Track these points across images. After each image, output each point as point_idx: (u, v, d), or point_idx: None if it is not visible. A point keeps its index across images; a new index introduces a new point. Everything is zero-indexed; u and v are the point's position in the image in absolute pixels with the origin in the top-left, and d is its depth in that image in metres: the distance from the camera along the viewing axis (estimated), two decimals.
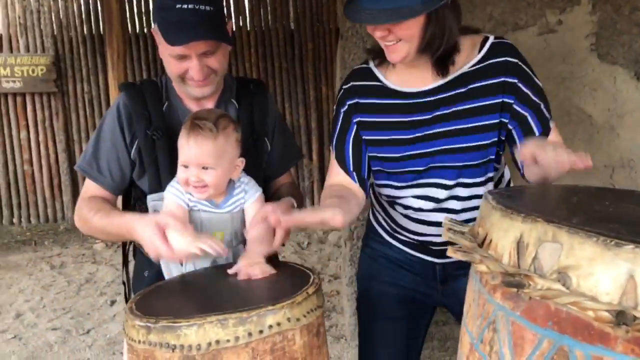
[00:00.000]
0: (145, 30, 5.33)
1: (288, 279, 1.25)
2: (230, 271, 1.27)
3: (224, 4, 1.41)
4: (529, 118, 1.34)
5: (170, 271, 1.42)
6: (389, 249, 1.56)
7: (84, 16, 5.33)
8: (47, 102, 5.33)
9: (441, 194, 1.40)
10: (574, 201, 1.08)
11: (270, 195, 1.57)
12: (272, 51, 5.39)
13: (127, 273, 1.63)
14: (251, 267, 1.25)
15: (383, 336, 1.57)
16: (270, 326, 1.05)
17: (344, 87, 1.47)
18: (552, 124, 1.36)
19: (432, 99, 1.36)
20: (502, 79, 1.33)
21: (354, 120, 1.43)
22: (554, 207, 1.01)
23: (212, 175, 1.33)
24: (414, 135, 1.38)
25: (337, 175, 1.47)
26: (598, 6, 2.43)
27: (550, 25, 2.45)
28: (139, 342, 1.07)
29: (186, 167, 1.33)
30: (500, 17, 2.46)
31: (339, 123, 1.47)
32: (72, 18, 5.33)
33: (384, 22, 1.21)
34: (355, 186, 1.45)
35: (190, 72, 1.37)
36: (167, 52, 1.37)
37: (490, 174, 1.41)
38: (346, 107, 1.45)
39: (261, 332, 1.04)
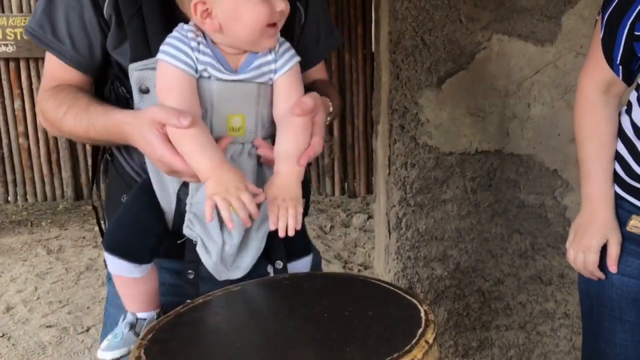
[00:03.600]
0: None
1: (384, 312, 0.80)
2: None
3: None
4: None
5: (209, 235, 0.97)
6: (618, 209, 1.20)
7: None
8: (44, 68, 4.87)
9: None
10: None
11: None
12: None
13: (99, 193, 1.21)
14: (285, 203, 0.90)
15: (609, 336, 1.27)
16: None
17: None
18: None
19: None
20: None
21: None
22: None
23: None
24: None
25: (597, 69, 1.17)
26: None
27: None
28: None
29: None
30: None
31: None
32: None
33: None
34: (619, 86, 1.17)
35: None
36: None
37: None
38: None
39: None
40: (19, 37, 4.69)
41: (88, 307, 2.99)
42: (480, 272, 2.27)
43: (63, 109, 1.01)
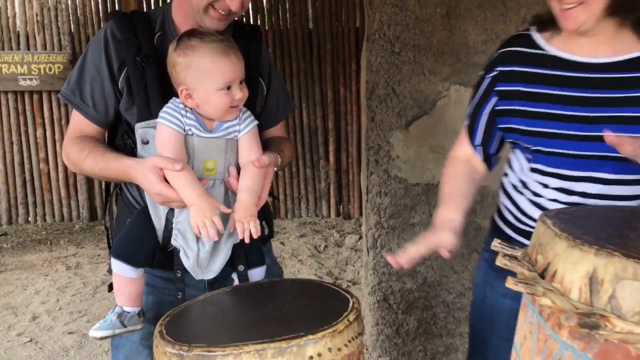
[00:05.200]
0: None
1: (324, 301, 1.18)
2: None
3: None
4: None
5: (189, 245, 1.32)
6: None
7: (101, 14, 5.28)
8: None
9: (592, 188, 1.25)
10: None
11: None
12: (290, 51, 5.31)
13: (112, 219, 1.56)
14: (247, 219, 1.26)
15: (495, 354, 1.46)
16: (311, 357, 0.99)
17: (502, 50, 1.35)
18: None
19: (606, 76, 1.21)
20: None
21: (498, 89, 1.33)
22: (623, 235, 0.93)
23: (245, 89, 1.31)
24: (577, 114, 1.22)
25: (462, 147, 1.43)
26: None
27: None
28: None
29: (228, 88, 1.27)
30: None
31: (481, 90, 1.37)
32: (90, 15, 5.29)
33: None
34: (477, 161, 1.40)
35: (229, 1, 1.31)
36: None
37: None
38: (496, 72, 1.34)
39: None
40: (42, 72, 5.13)
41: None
42: (444, 286, 2.61)
43: (85, 153, 1.38)
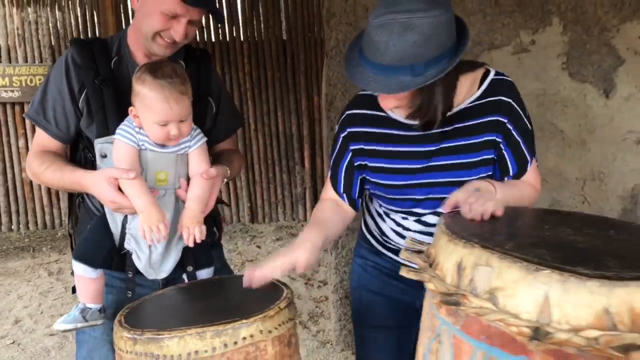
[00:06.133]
0: None
1: (263, 293, 1.36)
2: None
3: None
4: (507, 157, 1.42)
5: (140, 248, 1.47)
6: (378, 258, 1.64)
7: (80, 27, 5.43)
8: None
9: (435, 220, 1.48)
10: (516, 225, 1.20)
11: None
12: (265, 61, 5.50)
13: (73, 226, 1.67)
14: (193, 225, 1.42)
15: (376, 344, 1.65)
16: (244, 338, 1.17)
17: (348, 112, 1.52)
18: (531, 165, 1.44)
19: (434, 131, 1.41)
20: (496, 118, 1.40)
21: (350, 148, 1.50)
22: (495, 232, 1.13)
23: (187, 125, 1.45)
24: (414, 166, 1.44)
25: (330, 191, 1.57)
26: (569, 27, 2.55)
27: (524, 45, 2.58)
28: (127, 352, 1.18)
29: (165, 125, 1.40)
30: (477, 37, 2.58)
31: (337, 147, 1.53)
32: (70, 29, 5.43)
33: (371, 90, 1.28)
34: (345, 204, 1.55)
35: (172, 32, 1.45)
36: (160, 8, 1.43)
37: None
38: (346, 133, 1.50)
39: (236, 343, 1.16)
40: (23, 84, 5.26)
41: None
42: None
43: (45, 165, 1.52)
